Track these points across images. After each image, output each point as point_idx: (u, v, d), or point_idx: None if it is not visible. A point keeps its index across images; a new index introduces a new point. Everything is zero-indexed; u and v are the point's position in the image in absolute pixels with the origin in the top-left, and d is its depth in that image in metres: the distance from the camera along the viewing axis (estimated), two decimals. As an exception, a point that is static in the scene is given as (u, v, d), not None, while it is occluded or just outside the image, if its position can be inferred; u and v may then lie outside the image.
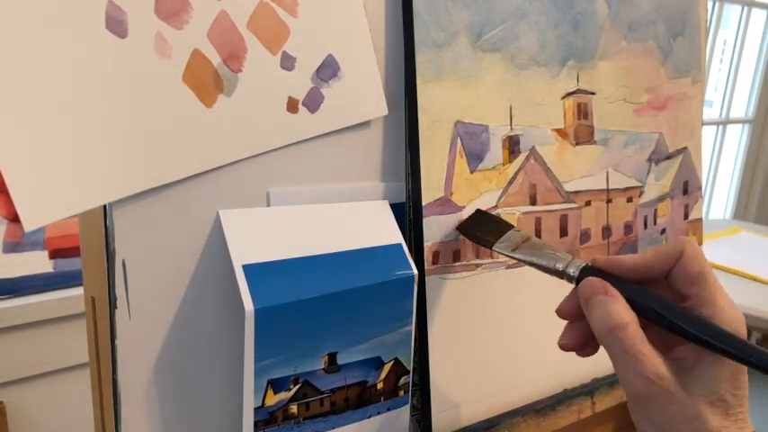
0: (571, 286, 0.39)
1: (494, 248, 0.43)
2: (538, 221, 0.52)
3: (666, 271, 0.36)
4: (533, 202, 0.51)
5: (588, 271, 0.38)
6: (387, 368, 0.43)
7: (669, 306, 0.35)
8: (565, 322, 0.39)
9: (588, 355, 0.39)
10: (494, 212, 0.48)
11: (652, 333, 0.35)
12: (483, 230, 0.45)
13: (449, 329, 0.47)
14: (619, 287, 0.36)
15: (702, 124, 0.65)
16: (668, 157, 0.62)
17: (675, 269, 0.36)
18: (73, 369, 1.02)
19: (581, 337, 0.38)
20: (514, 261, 0.44)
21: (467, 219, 0.47)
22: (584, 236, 0.55)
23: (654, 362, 0.33)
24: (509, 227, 0.45)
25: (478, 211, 0.47)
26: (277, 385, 0.38)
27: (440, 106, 0.44)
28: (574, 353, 0.39)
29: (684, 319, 0.34)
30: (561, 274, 0.39)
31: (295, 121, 0.40)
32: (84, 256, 0.41)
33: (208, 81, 0.36)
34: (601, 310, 0.35)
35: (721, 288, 0.35)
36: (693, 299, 0.35)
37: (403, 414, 0.45)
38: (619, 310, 0.34)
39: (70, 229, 0.99)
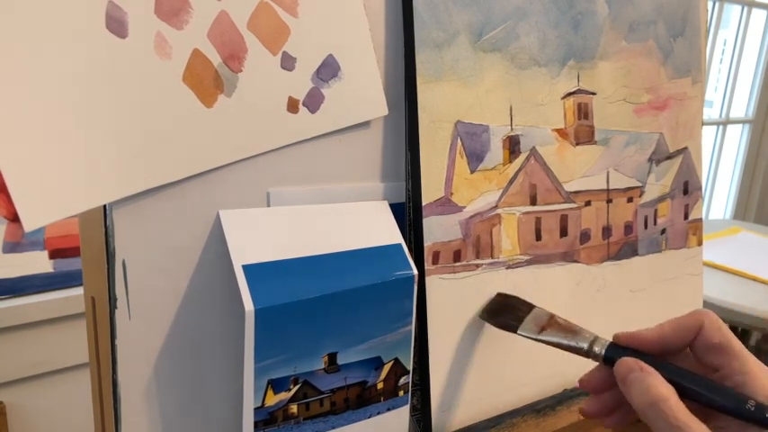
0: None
1: (518, 332, 0.44)
2: (538, 221, 0.52)
3: (686, 344, 0.37)
4: (533, 202, 0.51)
5: (613, 348, 0.38)
6: (387, 368, 0.43)
7: (701, 382, 0.35)
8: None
9: (612, 425, 0.40)
10: (494, 212, 0.48)
11: (688, 406, 0.35)
12: (505, 314, 0.46)
13: (449, 329, 0.47)
14: (653, 365, 0.36)
15: (702, 124, 0.65)
16: (668, 158, 0.62)
17: (697, 342, 0.36)
18: (73, 369, 1.02)
19: (603, 408, 0.39)
20: (515, 262, 0.44)
21: (488, 303, 0.48)
22: (584, 236, 0.55)
23: (701, 430, 0.33)
24: (530, 307, 0.46)
25: (499, 294, 0.48)
26: (277, 385, 0.38)
27: (440, 106, 0.44)
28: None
29: (719, 393, 0.34)
30: (587, 353, 0.40)
31: (295, 121, 0.40)
32: (84, 256, 0.41)
33: (208, 81, 0.36)
34: (639, 386, 0.35)
35: (749, 355, 0.36)
36: (724, 369, 0.36)
37: (403, 414, 0.45)
38: (657, 384, 0.35)
39: (70, 229, 0.99)
